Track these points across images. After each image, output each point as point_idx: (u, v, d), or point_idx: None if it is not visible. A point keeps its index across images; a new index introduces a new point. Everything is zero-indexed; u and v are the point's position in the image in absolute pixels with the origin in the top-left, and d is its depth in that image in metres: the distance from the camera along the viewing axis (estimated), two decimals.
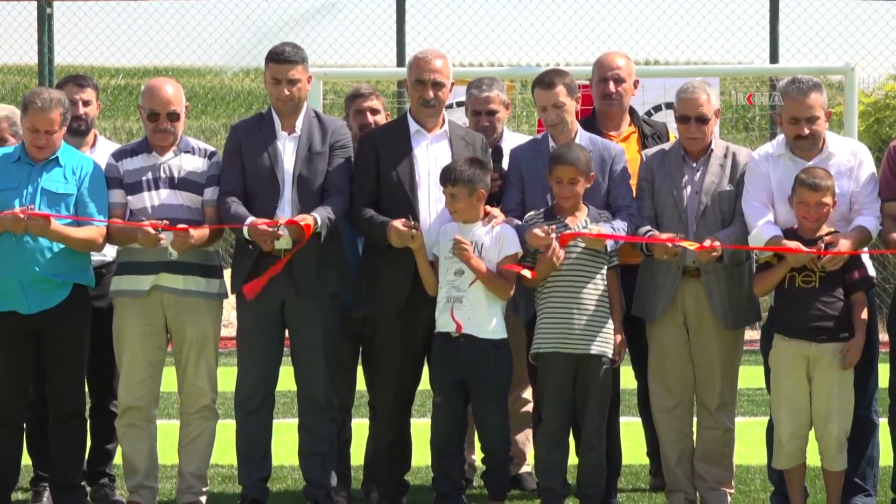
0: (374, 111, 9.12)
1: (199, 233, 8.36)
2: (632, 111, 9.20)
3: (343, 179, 8.50)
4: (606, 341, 8.27)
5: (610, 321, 8.30)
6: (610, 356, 8.30)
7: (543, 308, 8.30)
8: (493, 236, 8.20)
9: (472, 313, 8.18)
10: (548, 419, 8.41)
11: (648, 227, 8.31)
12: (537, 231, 8.15)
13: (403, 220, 8.19)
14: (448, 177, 8.21)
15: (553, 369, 8.29)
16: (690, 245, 8.10)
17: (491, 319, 8.21)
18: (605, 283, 8.30)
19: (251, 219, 8.26)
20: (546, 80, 8.52)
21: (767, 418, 8.49)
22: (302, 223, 8.20)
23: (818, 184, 8.02)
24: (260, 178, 8.46)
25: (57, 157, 8.44)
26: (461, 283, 8.17)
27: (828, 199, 8.05)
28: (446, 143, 8.56)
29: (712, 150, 8.52)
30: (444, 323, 8.26)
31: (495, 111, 9.15)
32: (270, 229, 8.21)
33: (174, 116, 8.54)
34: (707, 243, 8.11)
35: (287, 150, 8.49)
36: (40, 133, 8.34)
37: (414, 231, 8.18)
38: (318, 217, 8.27)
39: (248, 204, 8.41)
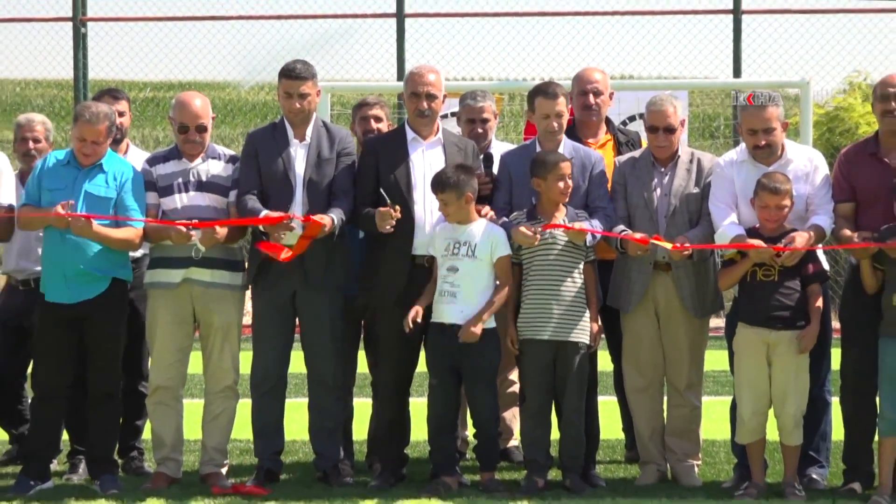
0: (378, 119, 9.13)
1: (224, 229, 8.30)
2: (608, 121, 9.15)
3: (348, 184, 8.47)
4: (583, 329, 8.24)
5: (587, 311, 8.26)
6: (587, 342, 8.26)
7: (526, 299, 8.27)
8: (486, 238, 8.12)
9: (465, 307, 8.11)
10: (531, 399, 8.40)
11: (623, 227, 8.24)
12: (523, 229, 8.12)
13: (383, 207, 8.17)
14: (437, 185, 8.17)
15: (535, 354, 8.27)
16: (665, 244, 8.01)
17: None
18: (583, 276, 8.24)
19: (265, 212, 8.23)
20: (550, 91, 8.48)
21: (731, 398, 8.46)
22: (319, 220, 8.15)
23: (778, 188, 8.01)
24: (275, 180, 8.42)
25: (101, 164, 8.38)
26: (455, 279, 8.11)
27: (786, 202, 8.04)
28: (440, 149, 8.51)
29: (679, 157, 8.49)
30: (439, 314, 8.20)
31: (487, 119, 9.13)
32: (283, 220, 8.17)
33: (202, 128, 8.50)
34: (679, 243, 8.05)
35: (298, 156, 8.44)
36: (87, 142, 8.32)
37: (392, 212, 8.11)
38: (336, 218, 8.24)
39: (263, 203, 8.36)
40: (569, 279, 8.21)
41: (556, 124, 8.40)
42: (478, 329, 8.08)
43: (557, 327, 8.20)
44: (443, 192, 8.12)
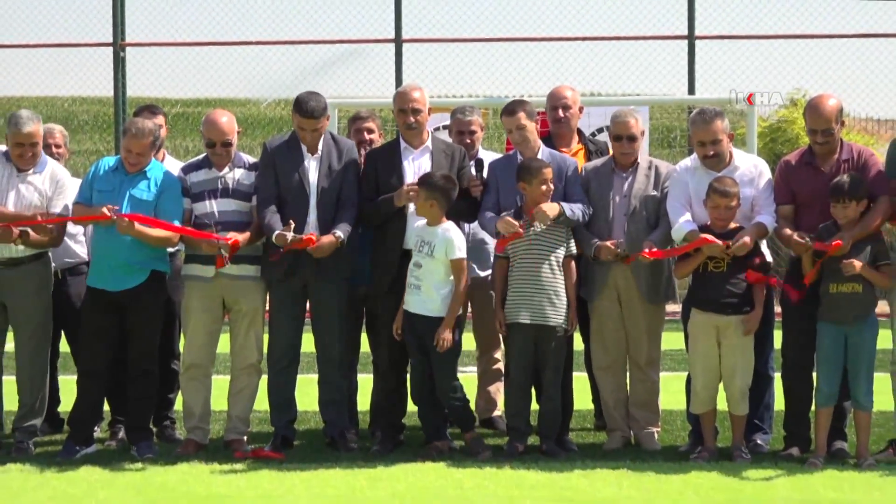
0: (370, 130, 9.15)
1: (245, 240, 8.33)
2: (580, 132, 9.15)
3: (354, 192, 8.47)
4: (560, 314, 8.22)
5: (564, 298, 8.24)
6: (563, 326, 8.25)
7: (511, 287, 8.25)
8: (442, 240, 8.13)
9: (426, 299, 8.13)
10: (514, 375, 8.40)
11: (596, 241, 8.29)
12: (508, 218, 8.18)
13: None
14: (418, 182, 8.20)
15: (518, 336, 8.27)
16: (645, 258, 8.08)
17: (439, 302, 8.13)
18: (561, 268, 8.23)
19: (277, 232, 8.20)
20: (509, 109, 8.52)
21: (686, 373, 8.46)
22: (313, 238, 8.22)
23: (727, 191, 8.03)
24: (292, 189, 8.41)
25: (145, 171, 8.40)
26: (419, 274, 8.15)
27: (734, 203, 8.06)
28: (428, 156, 8.52)
29: (639, 163, 8.50)
30: (407, 303, 8.23)
31: (475, 131, 9.13)
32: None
33: (226, 144, 8.50)
34: (647, 248, 8.10)
35: (312, 168, 8.43)
36: (132, 153, 8.35)
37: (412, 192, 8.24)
38: (342, 234, 8.29)
39: (281, 208, 8.36)
40: (548, 270, 8.20)
41: (517, 136, 8.44)
42: (447, 334, 8.09)
43: (537, 313, 8.19)
44: (419, 187, 8.15)
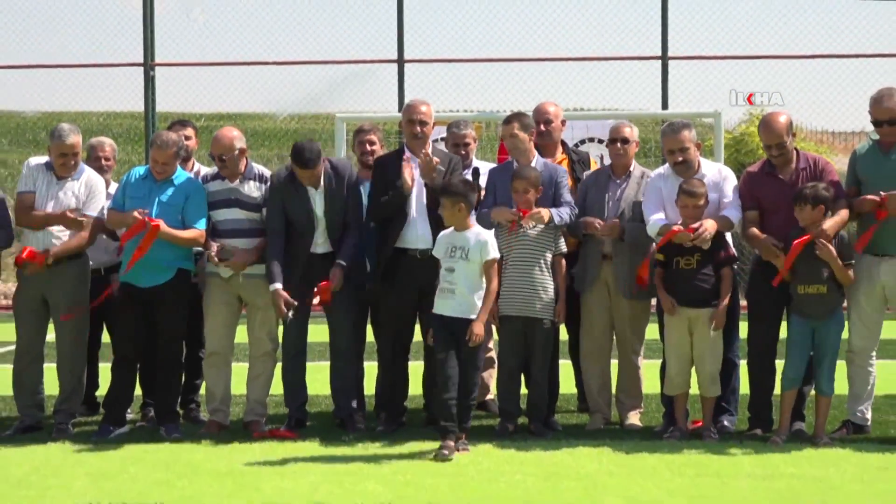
0: (372, 142, 9.12)
1: (248, 259, 8.42)
2: (563, 143, 9.12)
3: (357, 213, 8.49)
4: (548, 308, 8.19)
5: (552, 294, 8.19)
6: (551, 318, 8.21)
7: (504, 283, 8.17)
8: (476, 243, 7.84)
9: (461, 302, 7.83)
10: (505, 362, 8.37)
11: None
12: (500, 208, 8.19)
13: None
14: (441, 191, 7.99)
15: (510, 327, 8.24)
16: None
17: (476, 303, 7.85)
18: (549, 266, 8.19)
19: (275, 286, 8.28)
20: (507, 119, 8.57)
21: (661, 360, 8.43)
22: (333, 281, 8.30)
23: (695, 191, 8.05)
24: (299, 219, 8.39)
25: (172, 179, 8.40)
26: (452, 279, 7.85)
27: (702, 202, 8.08)
28: None
29: (632, 171, 8.51)
30: (439, 307, 7.90)
31: (469, 143, 9.13)
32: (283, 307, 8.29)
33: (230, 159, 8.44)
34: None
35: (316, 200, 8.41)
36: (158, 163, 8.36)
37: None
38: (345, 262, 8.32)
39: (289, 236, 8.38)
40: (538, 269, 8.15)
41: (510, 143, 8.46)
42: (480, 329, 7.79)
43: (527, 306, 8.16)
44: (442, 197, 7.93)
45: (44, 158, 8.65)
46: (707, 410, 8.19)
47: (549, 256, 8.22)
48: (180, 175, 8.47)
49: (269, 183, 8.51)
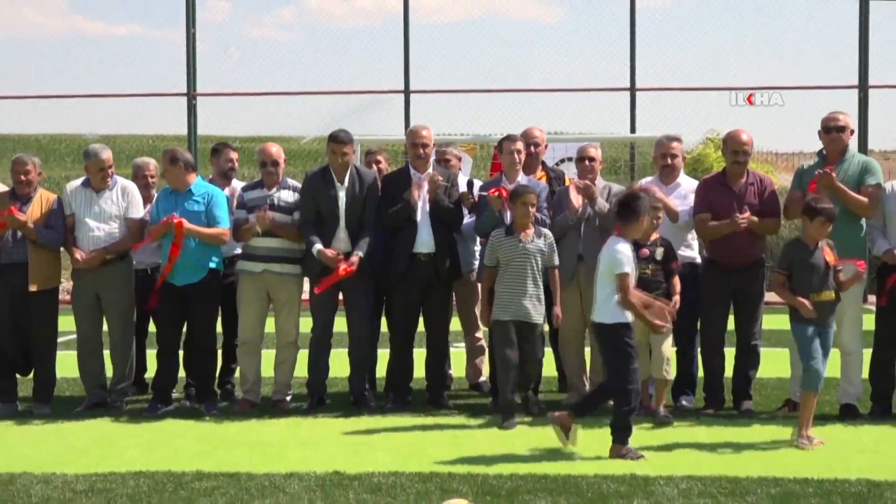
0: (378, 162, 9.18)
1: (289, 233, 8.42)
2: (543, 162, 9.04)
3: (374, 214, 8.42)
4: (540, 314, 7.91)
5: (542, 298, 7.91)
6: (541, 322, 7.95)
7: (502, 291, 7.89)
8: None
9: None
10: (506, 357, 7.88)
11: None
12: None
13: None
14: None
15: (505, 330, 7.85)
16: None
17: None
18: (541, 277, 7.90)
19: (318, 246, 8.24)
20: (512, 138, 8.52)
21: None
22: (350, 260, 8.23)
23: (656, 206, 7.94)
24: (325, 212, 8.37)
25: (191, 189, 8.41)
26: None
27: (660, 215, 8.06)
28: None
29: (596, 185, 8.46)
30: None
31: (449, 159, 9.09)
32: (331, 256, 8.24)
33: (275, 163, 8.52)
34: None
35: (341, 196, 8.39)
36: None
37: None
38: (362, 253, 8.28)
39: (318, 226, 8.34)
40: (531, 280, 7.86)
41: (506, 160, 8.44)
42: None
43: (523, 313, 7.84)
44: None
45: (78, 181, 8.69)
46: (660, 391, 7.98)
47: (540, 267, 7.87)
48: (198, 185, 8.47)
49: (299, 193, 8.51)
